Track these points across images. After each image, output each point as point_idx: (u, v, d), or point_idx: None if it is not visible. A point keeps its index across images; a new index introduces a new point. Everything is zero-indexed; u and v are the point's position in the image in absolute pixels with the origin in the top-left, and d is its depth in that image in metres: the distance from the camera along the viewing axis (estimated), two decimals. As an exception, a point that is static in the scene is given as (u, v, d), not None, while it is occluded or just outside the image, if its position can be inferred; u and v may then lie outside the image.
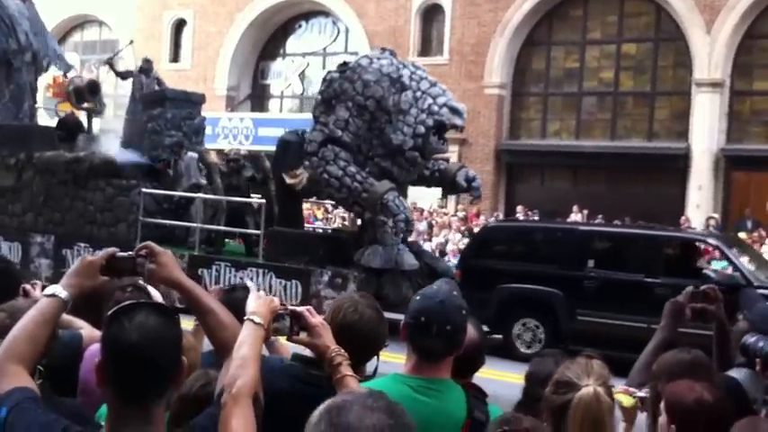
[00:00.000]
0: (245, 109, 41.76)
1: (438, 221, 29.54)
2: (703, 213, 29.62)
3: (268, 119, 40.35)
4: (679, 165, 32.38)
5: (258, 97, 42.94)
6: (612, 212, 28.20)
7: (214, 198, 20.88)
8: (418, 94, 18.82)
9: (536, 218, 29.03)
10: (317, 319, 4.10)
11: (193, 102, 22.45)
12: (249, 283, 4.39)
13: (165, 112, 22.23)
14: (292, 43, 43.13)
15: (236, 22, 41.69)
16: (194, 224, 20.97)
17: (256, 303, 3.93)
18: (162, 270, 3.91)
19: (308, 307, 4.18)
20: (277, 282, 19.44)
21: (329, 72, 19.88)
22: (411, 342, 4.24)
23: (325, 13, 40.19)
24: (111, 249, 3.97)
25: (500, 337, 18.29)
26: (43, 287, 4.63)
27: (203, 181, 21.10)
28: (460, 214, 29.73)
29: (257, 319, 3.84)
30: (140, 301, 3.66)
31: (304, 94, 42.45)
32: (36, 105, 25.26)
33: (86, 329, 5.18)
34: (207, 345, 4.49)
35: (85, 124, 24.31)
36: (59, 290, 3.78)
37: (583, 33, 35.60)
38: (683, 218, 28.49)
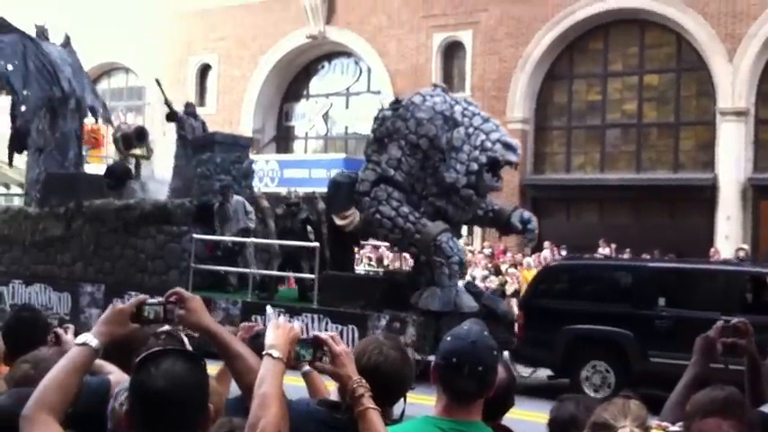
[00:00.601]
0: (271, 151, 41.18)
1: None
2: (733, 244, 28.92)
3: (293, 160, 39.76)
4: (706, 195, 31.70)
5: (283, 139, 42.53)
6: (640, 245, 27.72)
7: (266, 242, 20.45)
8: (471, 130, 18.10)
9: (563, 252, 28.40)
10: (341, 348, 3.90)
11: (242, 145, 21.94)
12: (269, 311, 5.47)
13: (214, 156, 21.60)
14: (315, 84, 42.69)
15: (259, 65, 41.52)
16: (247, 269, 20.21)
17: (275, 334, 3.80)
18: (191, 316, 3.84)
19: (333, 334, 4.00)
20: (333, 327, 18.45)
21: (381, 110, 19.15)
22: (442, 383, 4.02)
23: (347, 53, 39.76)
24: (141, 297, 3.87)
25: (567, 380, 17.54)
26: (76, 332, 4.81)
27: (251, 224, 20.49)
28: (487, 251, 28.80)
29: (276, 354, 3.71)
30: (167, 347, 3.66)
31: (328, 135, 42.45)
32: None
33: (115, 374, 4.96)
34: (233, 391, 4.56)
35: (134, 171, 23.02)
36: (90, 338, 3.71)
37: (604, 65, 35.24)
38: (712, 249, 27.95)
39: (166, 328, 4.95)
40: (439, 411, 4.05)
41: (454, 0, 36.08)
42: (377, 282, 19.75)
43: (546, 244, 29.01)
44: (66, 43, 24.33)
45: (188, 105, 22.77)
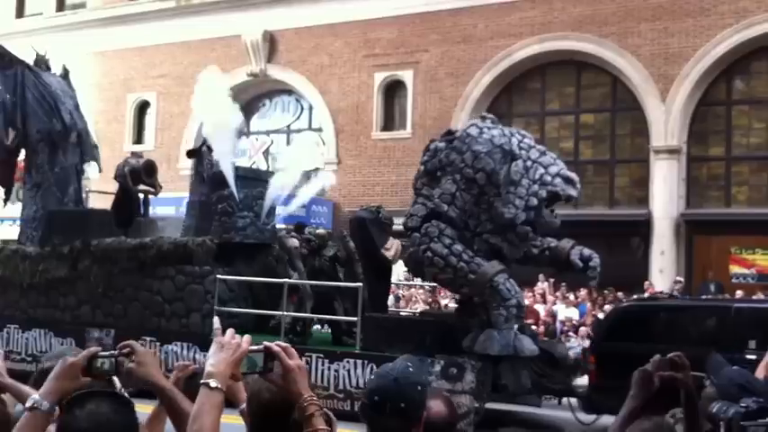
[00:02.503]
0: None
1: (404, 294, 26.22)
2: (667, 278, 27.82)
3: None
4: (641, 230, 30.24)
5: (223, 176, 38.55)
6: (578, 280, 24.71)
7: (298, 282, 17.85)
8: (529, 163, 15.82)
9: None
10: (294, 362, 3.34)
11: (263, 180, 18.78)
12: (215, 323, 3.91)
13: (235, 192, 18.63)
14: (256, 122, 39.68)
15: (201, 103, 36.85)
16: (277, 312, 17.67)
17: (215, 359, 3.20)
18: (139, 369, 3.43)
19: (286, 345, 3.38)
20: None
21: (433, 141, 16.85)
22: (367, 422, 3.57)
23: (288, 91, 36.61)
24: (93, 349, 3.46)
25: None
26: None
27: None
28: (428, 286, 25.23)
29: (213, 384, 3.13)
30: (93, 389, 3.33)
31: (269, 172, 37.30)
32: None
33: None
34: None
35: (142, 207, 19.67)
36: (39, 400, 3.28)
37: (542, 105, 33.63)
38: (646, 282, 26.73)
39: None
40: None
41: (395, 40, 33.99)
42: (425, 324, 16.83)
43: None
44: (65, 75, 20.63)
45: (206, 141, 19.32)
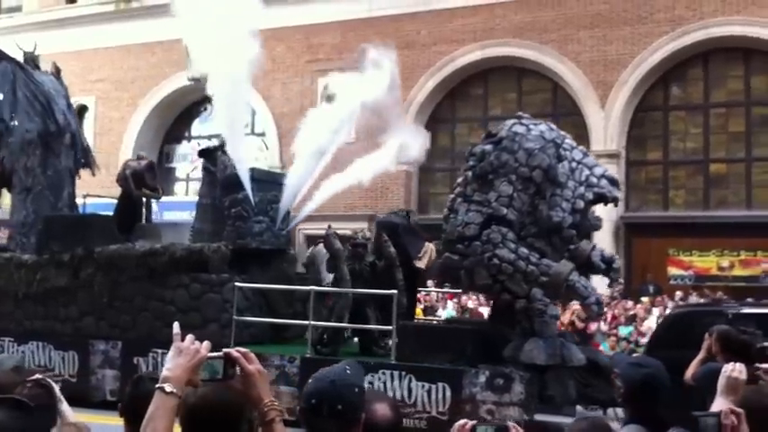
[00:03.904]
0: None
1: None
2: (606, 279, 25.50)
3: (174, 202, 34.81)
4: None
5: (164, 180, 35.94)
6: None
7: (340, 290, 15.79)
8: (573, 164, 14.49)
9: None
10: (254, 366, 3.23)
11: (279, 183, 16.73)
12: (175, 328, 3.27)
13: (251, 196, 16.77)
14: (197, 126, 38.20)
15: (139, 107, 35.66)
16: (305, 321, 15.74)
17: (172, 363, 3.09)
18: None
19: (246, 350, 3.26)
20: (418, 385, 14.26)
21: (475, 145, 15.15)
22: (305, 425, 3.40)
23: (230, 95, 33.99)
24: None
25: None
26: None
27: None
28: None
29: (168, 388, 3.02)
30: None
31: None
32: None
33: None
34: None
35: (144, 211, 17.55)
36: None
37: (484, 110, 33.15)
38: None
39: (37, 376, 4.14)
40: None
41: (339, 45, 32.25)
42: (465, 333, 15.04)
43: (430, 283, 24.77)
44: (57, 73, 18.24)
45: (221, 139, 17.23)
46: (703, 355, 8.36)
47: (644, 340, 20.16)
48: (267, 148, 33.74)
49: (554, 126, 15.11)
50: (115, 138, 37.25)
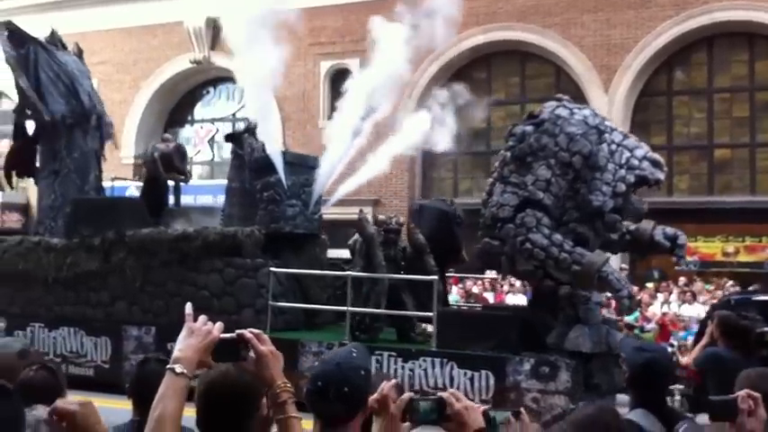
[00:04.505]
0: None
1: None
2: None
3: None
4: None
5: (167, 164, 35.64)
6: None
7: (378, 276, 15.16)
8: (613, 147, 13.89)
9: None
10: (266, 347, 3.17)
11: (310, 166, 16.14)
12: (188, 308, 3.20)
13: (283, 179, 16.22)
14: (200, 110, 37.38)
15: (141, 90, 35.14)
16: (343, 307, 15.24)
17: (184, 344, 3.00)
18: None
19: (259, 332, 3.21)
20: (460, 373, 13.86)
21: (516, 125, 14.63)
22: (312, 409, 3.36)
23: (232, 79, 33.42)
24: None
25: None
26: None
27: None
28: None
29: (178, 369, 2.93)
30: None
31: (214, 160, 37.01)
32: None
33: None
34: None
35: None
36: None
37: (488, 94, 31.44)
38: None
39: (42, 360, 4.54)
40: None
41: (341, 28, 31.85)
42: (508, 320, 14.39)
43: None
44: (80, 54, 17.63)
45: (252, 124, 16.65)
46: (706, 340, 8.59)
47: (649, 326, 19.87)
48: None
49: (598, 111, 14.63)
50: (117, 121, 35.92)
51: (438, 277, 14.74)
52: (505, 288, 24.00)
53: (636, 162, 13.83)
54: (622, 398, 13.59)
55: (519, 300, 23.23)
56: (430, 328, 14.98)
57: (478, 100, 28.40)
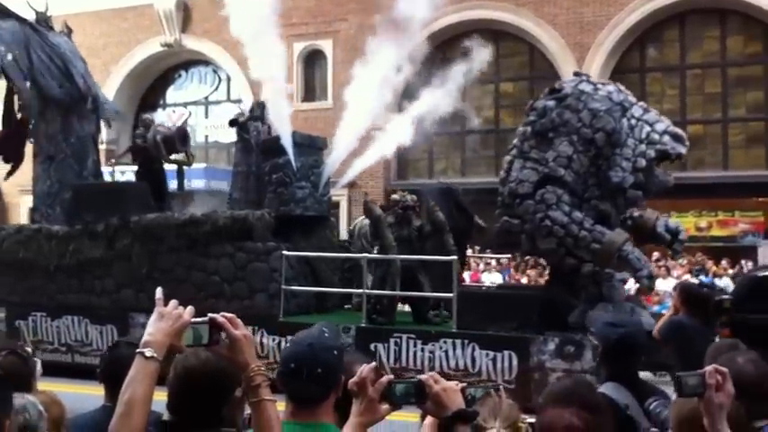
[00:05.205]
0: (128, 161, 33.11)
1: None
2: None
3: None
4: None
5: (141, 149, 34.53)
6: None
7: (394, 257, 14.44)
8: (633, 121, 13.32)
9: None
10: (240, 331, 3.09)
11: (318, 147, 15.64)
12: (158, 293, 3.17)
13: (292, 161, 15.54)
14: (172, 93, 36.68)
15: (111, 74, 33.87)
16: (359, 290, 14.65)
17: (154, 328, 2.97)
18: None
19: (231, 316, 3.10)
20: (482, 354, 13.27)
21: (537, 99, 14.14)
22: (285, 390, 3.35)
23: (204, 62, 32.99)
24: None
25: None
26: None
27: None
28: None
29: (148, 353, 2.88)
30: None
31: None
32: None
33: None
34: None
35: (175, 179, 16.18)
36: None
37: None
38: None
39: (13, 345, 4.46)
40: (286, 416, 3.30)
41: (313, 10, 31.05)
42: (530, 299, 13.94)
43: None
44: (69, 34, 16.72)
45: (258, 105, 16.02)
46: (671, 311, 8.67)
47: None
48: (244, 116, 32.34)
49: (622, 87, 14.06)
50: (89, 105, 35.48)
51: (457, 257, 14.13)
52: (481, 267, 23.52)
53: (656, 137, 13.28)
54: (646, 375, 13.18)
55: (495, 278, 22.75)
56: (444, 312, 14.57)
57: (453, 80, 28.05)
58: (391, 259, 14.34)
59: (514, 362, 13.08)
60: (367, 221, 15.58)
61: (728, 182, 27.41)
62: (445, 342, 13.58)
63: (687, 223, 28.22)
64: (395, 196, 15.06)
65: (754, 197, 27.82)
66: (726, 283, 22.05)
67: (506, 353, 13.17)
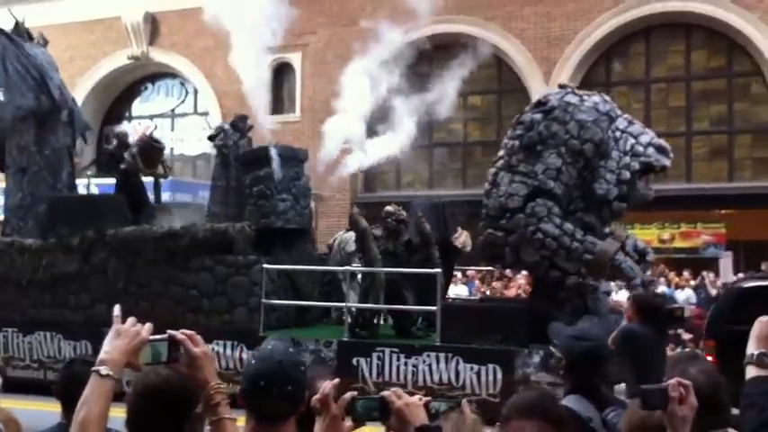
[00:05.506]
0: (92, 173, 32.59)
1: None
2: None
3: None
4: None
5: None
6: (471, 259, 22.33)
7: (378, 270, 14.23)
8: (618, 134, 13.28)
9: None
10: (200, 349, 3.02)
11: (300, 159, 15.22)
12: (115, 310, 3.07)
13: (273, 173, 15.12)
14: (138, 106, 36.18)
15: (77, 87, 32.88)
16: (341, 303, 14.42)
17: (110, 346, 2.87)
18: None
19: (192, 333, 3.05)
20: (466, 367, 13.07)
21: (524, 113, 13.97)
22: (250, 408, 3.18)
23: (172, 74, 32.36)
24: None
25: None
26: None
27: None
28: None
29: (104, 371, 2.78)
30: None
31: None
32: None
33: None
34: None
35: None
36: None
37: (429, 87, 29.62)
38: None
39: None
40: None
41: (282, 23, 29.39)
42: (514, 312, 13.60)
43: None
44: (44, 45, 16.25)
45: (240, 119, 15.67)
46: (625, 322, 8.71)
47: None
48: (211, 128, 31.90)
49: (608, 98, 13.86)
50: (53, 119, 34.86)
51: (441, 270, 13.83)
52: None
53: (641, 149, 13.24)
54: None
55: (460, 291, 22.47)
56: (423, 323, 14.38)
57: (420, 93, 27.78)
58: (375, 272, 14.08)
59: (499, 375, 12.91)
60: (348, 235, 15.24)
61: (691, 194, 27.34)
62: (429, 356, 13.36)
63: (650, 235, 28.21)
64: (389, 208, 14.69)
65: (717, 209, 27.76)
66: (688, 294, 21.98)
67: (491, 366, 12.99)
